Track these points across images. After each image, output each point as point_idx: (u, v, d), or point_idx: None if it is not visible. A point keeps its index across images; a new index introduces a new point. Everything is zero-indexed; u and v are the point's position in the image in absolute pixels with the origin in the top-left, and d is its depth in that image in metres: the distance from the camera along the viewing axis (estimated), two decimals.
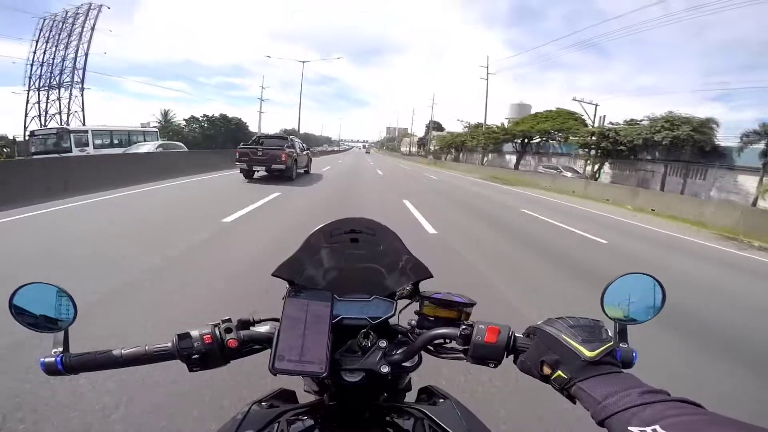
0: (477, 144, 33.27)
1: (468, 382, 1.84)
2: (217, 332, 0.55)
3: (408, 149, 74.84)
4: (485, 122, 33.09)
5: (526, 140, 28.50)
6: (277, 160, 10.54)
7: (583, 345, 0.44)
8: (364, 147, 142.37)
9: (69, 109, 25.19)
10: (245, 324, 0.59)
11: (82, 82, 25.27)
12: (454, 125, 76.69)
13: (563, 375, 0.44)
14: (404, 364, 0.57)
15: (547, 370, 0.46)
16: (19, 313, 0.54)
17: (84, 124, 22.22)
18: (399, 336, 0.62)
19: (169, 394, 1.66)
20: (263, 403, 0.59)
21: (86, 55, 24.53)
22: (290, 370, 0.51)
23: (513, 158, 31.55)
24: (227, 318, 0.58)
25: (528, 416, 1.71)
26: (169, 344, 0.55)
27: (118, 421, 1.51)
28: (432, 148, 50.35)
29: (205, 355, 0.54)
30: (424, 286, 0.65)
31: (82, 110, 25.69)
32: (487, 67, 31.25)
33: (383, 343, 0.58)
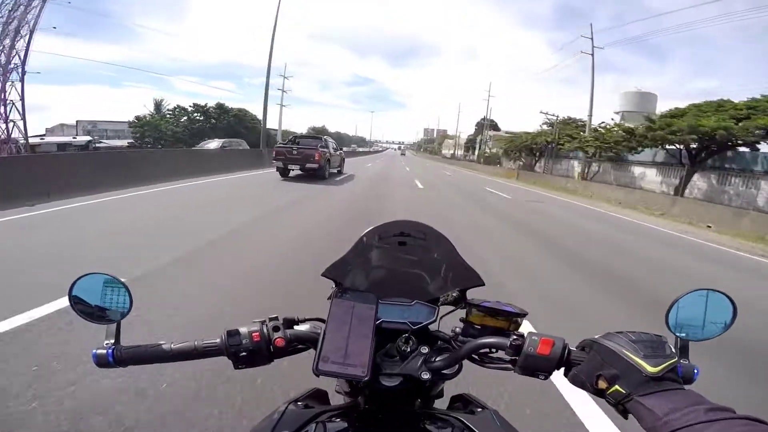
0: (579, 147, 21.03)
1: (498, 393, 1.79)
2: (265, 330, 0.56)
3: (452, 152, 65.49)
4: (591, 118, 21.26)
5: (704, 145, 14.15)
6: (311, 160, 11.16)
7: (645, 360, 0.44)
8: (399, 149, 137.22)
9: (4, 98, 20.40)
10: (290, 323, 0.60)
11: (23, 65, 19.51)
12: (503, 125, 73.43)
13: (621, 390, 0.43)
14: (444, 371, 0.56)
15: (603, 384, 0.46)
16: (77, 302, 0.56)
17: (23, 117, 19.43)
18: (440, 343, 0.62)
19: (209, 387, 1.74)
20: (299, 403, 0.59)
21: (31, 33, 18.87)
22: (333, 372, 0.51)
23: (646, 173, 19.11)
24: (274, 316, 0.59)
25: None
26: (218, 340, 0.56)
27: (152, 411, 1.58)
28: (488, 150, 40.67)
29: (253, 352, 0.55)
30: (472, 294, 0.65)
31: (22, 100, 20.18)
32: (592, 50, 20.51)
33: (425, 349, 0.58)
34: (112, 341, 0.56)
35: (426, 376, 0.55)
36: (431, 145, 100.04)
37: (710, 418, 0.35)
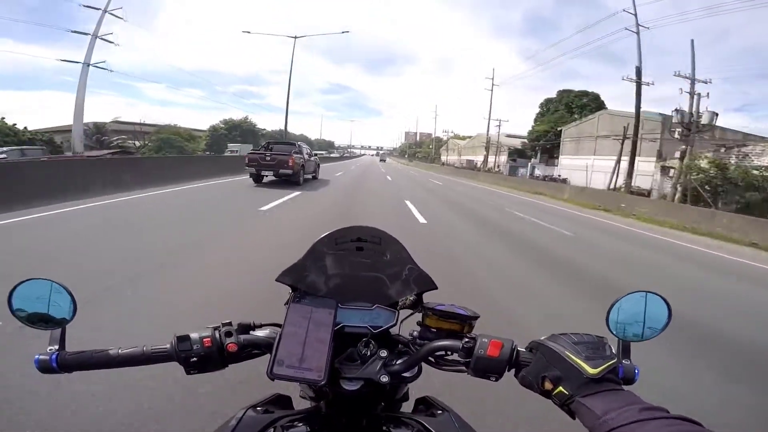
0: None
1: (465, 395, 1.83)
2: (217, 335, 0.59)
3: (470, 161, 47.29)
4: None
5: None
6: (285, 166, 11.53)
7: (586, 362, 0.48)
8: (377, 155, 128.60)
9: None
10: (246, 328, 0.63)
11: None
12: (467, 131, 68.85)
13: (564, 391, 0.47)
14: (404, 374, 0.60)
15: (548, 386, 0.50)
16: (18, 309, 0.57)
17: None
18: (400, 346, 0.66)
19: (161, 396, 1.76)
20: (258, 408, 0.62)
21: None
22: (288, 376, 0.54)
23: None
24: (228, 321, 0.61)
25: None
26: (168, 346, 0.58)
27: (105, 421, 1.59)
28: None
29: (204, 358, 0.57)
30: (428, 297, 0.69)
31: None
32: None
33: (384, 353, 0.61)
34: (56, 347, 0.57)
35: (385, 379, 0.58)
36: (416, 149, 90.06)
37: (644, 417, 0.39)
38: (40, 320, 0.58)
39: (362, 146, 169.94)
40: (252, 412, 0.61)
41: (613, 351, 0.52)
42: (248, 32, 41.61)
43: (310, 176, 14.31)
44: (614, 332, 0.55)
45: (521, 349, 0.56)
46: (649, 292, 0.56)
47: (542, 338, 0.55)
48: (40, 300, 0.58)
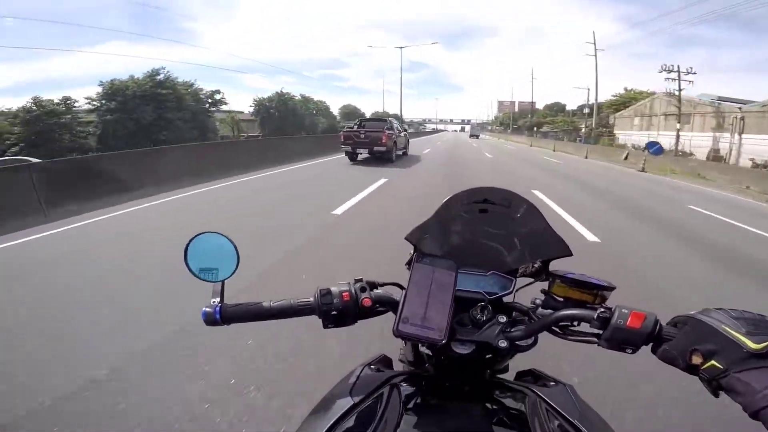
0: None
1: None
2: (353, 291, 0.64)
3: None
4: None
5: None
6: (379, 143, 12.12)
7: (747, 336, 0.46)
8: (462, 129, 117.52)
9: None
10: (372, 285, 0.68)
11: None
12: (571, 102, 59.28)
13: (718, 365, 0.46)
14: (519, 342, 0.61)
15: (697, 360, 0.48)
16: (191, 261, 0.65)
17: None
18: (515, 314, 0.67)
19: (290, 353, 2.15)
20: (372, 367, 0.69)
21: None
22: (412, 334, 0.59)
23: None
24: (359, 278, 0.67)
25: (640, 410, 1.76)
26: (311, 299, 0.64)
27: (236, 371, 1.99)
28: None
29: (342, 311, 0.63)
30: (555, 266, 0.69)
31: None
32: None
33: (503, 318, 0.63)
34: (218, 300, 0.65)
35: (503, 344, 0.60)
36: (526, 120, 65.66)
37: None
38: (207, 273, 0.66)
39: (440, 120, 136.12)
40: (368, 370, 0.67)
41: None
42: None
43: (400, 152, 14.81)
44: None
45: (662, 323, 0.54)
46: None
47: (692, 312, 0.53)
48: (209, 253, 0.66)
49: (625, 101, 40.57)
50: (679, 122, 26.38)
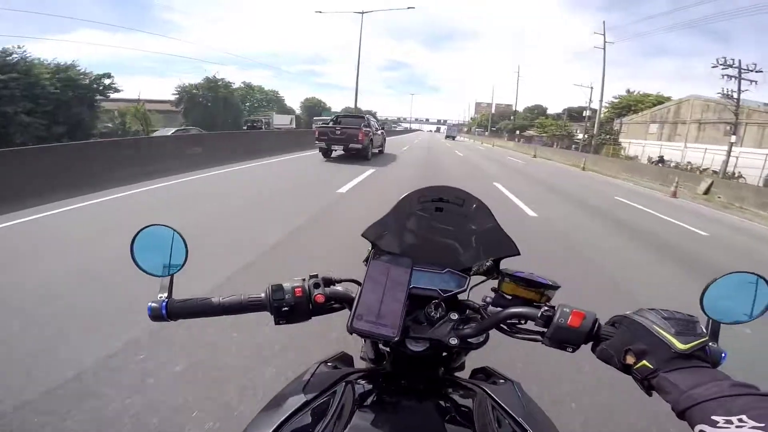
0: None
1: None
2: (306, 287, 0.65)
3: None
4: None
5: None
6: (355, 140, 12.00)
7: (675, 337, 0.49)
8: (438, 130, 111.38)
9: None
10: (328, 282, 0.69)
11: None
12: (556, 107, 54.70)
13: (648, 365, 0.49)
14: (471, 340, 0.63)
15: (630, 359, 0.51)
16: (137, 256, 0.64)
17: None
18: (468, 312, 0.69)
19: (244, 349, 2.10)
20: (329, 364, 0.70)
21: None
22: (366, 331, 0.59)
23: None
24: (314, 274, 0.68)
25: (589, 408, 1.86)
26: (263, 295, 0.64)
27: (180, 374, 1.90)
28: None
29: (294, 308, 0.63)
30: (505, 264, 0.72)
31: None
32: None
33: (454, 316, 0.65)
34: (166, 295, 0.64)
35: (454, 341, 0.62)
36: (510, 122, 60.66)
37: (734, 392, 0.40)
38: (154, 268, 0.65)
39: (416, 119, 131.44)
40: (324, 367, 0.68)
41: (704, 330, 0.52)
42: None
43: (377, 150, 14.68)
44: (707, 312, 0.56)
45: (601, 322, 0.57)
46: (746, 272, 0.56)
47: (628, 312, 0.56)
48: (157, 248, 0.65)
49: (630, 103, 35.36)
50: (734, 133, 20.41)
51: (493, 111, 79.73)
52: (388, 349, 0.70)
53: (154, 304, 0.64)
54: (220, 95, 37.38)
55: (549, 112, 64.35)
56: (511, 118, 63.08)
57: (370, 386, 0.65)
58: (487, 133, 66.76)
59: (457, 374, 0.74)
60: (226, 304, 0.66)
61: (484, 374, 0.75)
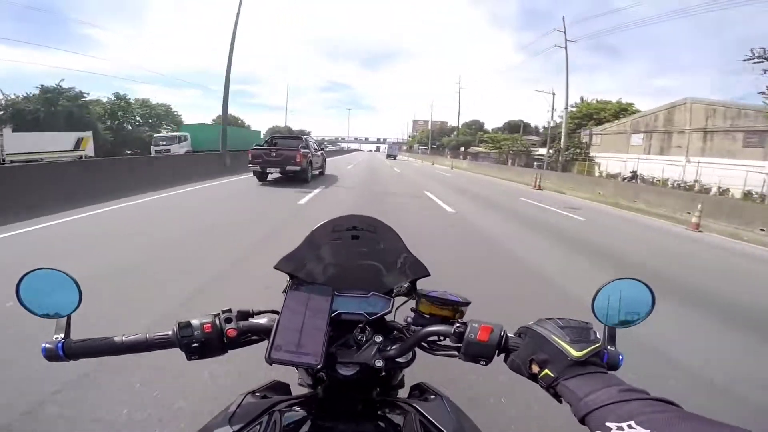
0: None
1: (462, 380, 2.12)
2: (217, 322, 0.65)
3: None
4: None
5: None
6: (292, 162, 11.51)
7: (571, 345, 0.53)
8: (377, 149, 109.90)
9: None
10: (245, 315, 0.70)
11: None
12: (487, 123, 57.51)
13: (550, 373, 0.52)
14: (398, 359, 0.66)
15: (535, 369, 0.55)
16: (25, 298, 0.63)
17: None
18: (394, 332, 0.72)
19: (163, 382, 1.98)
20: (257, 394, 0.69)
21: None
22: (286, 360, 0.60)
23: None
24: (227, 309, 0.68)
25: (518, 416, 1.98)
26: (170, 332, 0.64)
27: (106, 407, 1.79)
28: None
29: (204, 343, 0.63)
30: (422, 285, 0.76)
31: None
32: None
33: (379, 338, 0.67)
34: (62, 335, 0.64)
35: (380, 363, 0.64)
36: (452, 139, 59.33)
37: (623, 398, 0.43)
38: (46, 309, 0.65)
39: (355, 138, 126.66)
40: (251, 397, 0.68)
41: (598, 336, 0.57)
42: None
43: (317, 172, 14.28)
44: (599, 318, 0.62)
45: (510, 334, 0.62)
46: (632, 278, 0.62)
47: (530, 323, 0.60)
48: (46, 290, 0.65)
49: (591, 112, 31.75)
50: None
51: (429, 127, 78.73)
52: (323, 375, 0.69)
53: (48, 345, 0.63)
54: (60, 109, 28.76)
55: (486, 126, 64.82)
56: (454, 133, 60.55)
57: (303, 413, 0.65)
58: (428, 151, 64.45)
59: (399, 392, 0.77)
60: (129, 343, 0.65)
61: (420, 390, 0.77)
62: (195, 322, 0.65)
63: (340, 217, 0.74)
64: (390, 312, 0.74)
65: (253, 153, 12.11)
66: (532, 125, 58.73)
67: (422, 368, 0.72)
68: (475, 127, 62.49)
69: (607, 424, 0.40)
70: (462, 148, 52.95)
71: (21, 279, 0.64)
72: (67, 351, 0.63)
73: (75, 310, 0.66)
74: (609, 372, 0.52)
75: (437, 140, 70.19)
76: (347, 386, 0.67)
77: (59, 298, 0.65)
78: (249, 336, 0.68)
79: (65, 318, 0.65)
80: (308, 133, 53.92)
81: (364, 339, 0.68)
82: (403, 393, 0.79)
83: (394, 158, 49.21)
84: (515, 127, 51.01)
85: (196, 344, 0.64)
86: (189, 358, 0.65)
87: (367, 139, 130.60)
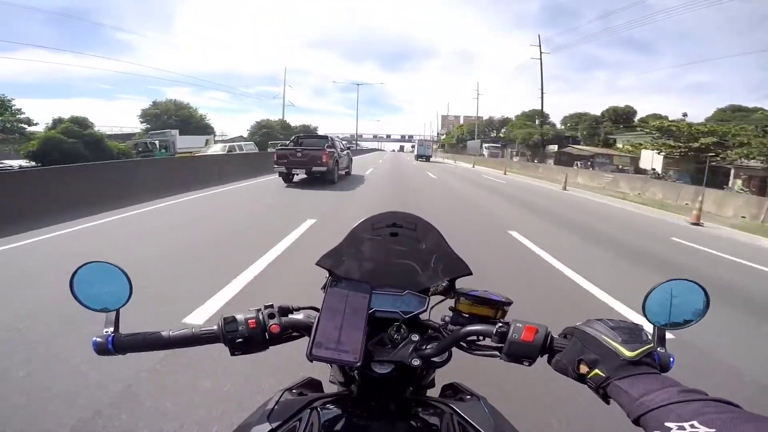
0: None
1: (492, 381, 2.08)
2: (261, 317, 0.67)
3: None
4: None
5: None
6: (318, 162, 11.50)
7: (623, 345, 0.53)
8: (401, 149, 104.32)
9: None
10: (285, 311, 0.72)
11: None
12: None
13: (601, 373, 0.52)
14: (434, 359, 0.67)
15: (584, 369, 0.55)
16: (78, 291, 0.66)
17: None
18: (430, 331, 0.73)
19: (204, 377, 2.10)
20: (294, 391, 0.72)
21: None
22: (326, 358, 0.62)
23: None
24: (270, 304, 0.70)
25: (555, 421, 1.97)
26: (215, 327, 0.67)
27: (146, 398, 1.92)
28: None
29: (248, 339, 0.66)
30: (461, 283, 0.76)
31: None
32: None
33: (415, 337, 0.69)
34: (112, 329, 0.67)
35: (416, 362, 0.66)
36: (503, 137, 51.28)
37: (683, 398, 0.43)
38: (98, 303, 0.68)
39: (374, 136, 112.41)
40: (288, 394, 0.70)
41: (649, 337, 0.57)
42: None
43: (343, 172, 14.19)
44: (650, 319, 0.62)
45: (554, 335, 0.62)
46: (684, 279, 0.62)
47: (578, 324, 0.60)
48: (99, 283, 0.68)
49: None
50: None
51: (461, 122, 66.28)
52: (355, 373, 0.71)
53: (99, 339, 0.65)
54: (179, 117, 35.45)
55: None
56: (541, 127, 44.10)
57: (338, 411, 0.67)
58: (484, 152, 46.69)
59: (428, 392, 0.78)
60: (176, 338, 0.68)
61: (453, 391, 0.78)
62: (240, 317, 0.67)
63: (380, 213, 0.76)
64: (425, 311, 0.75)
65: (279, 153, 12.13)
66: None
67: (450, 368, 0.73)
68: (541, 119, 46.81)
69: (667, 424, 0.41)
70: (554, 147, 37.51)
71: (75, 272, 0.67)
72: (117, 345, 0.66)
73: (125, 304, 0.69)
74: (662, 373, 0.52)
75: (487, 136, 59.63)
76: (381, 385, 0.68)
77: (110, 291, 0.68)
78: (290, 332, 0.70)
79: (114, 312, 0.68)
80: (314, 129, 51.96)
81: (400, 338, 0.70)
82: (433, 393, 0.79)
83: (427, 160, 38.55)
84: (620, 115, 42.45)
85: (240, 339, 0.66)
86: (233, 354, 0.67)
87: (389, 136, 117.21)
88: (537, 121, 46.43)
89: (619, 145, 37.83)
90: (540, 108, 40.46)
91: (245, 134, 44.44)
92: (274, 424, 0.61)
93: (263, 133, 43.17)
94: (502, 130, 55.14)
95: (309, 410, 0.64)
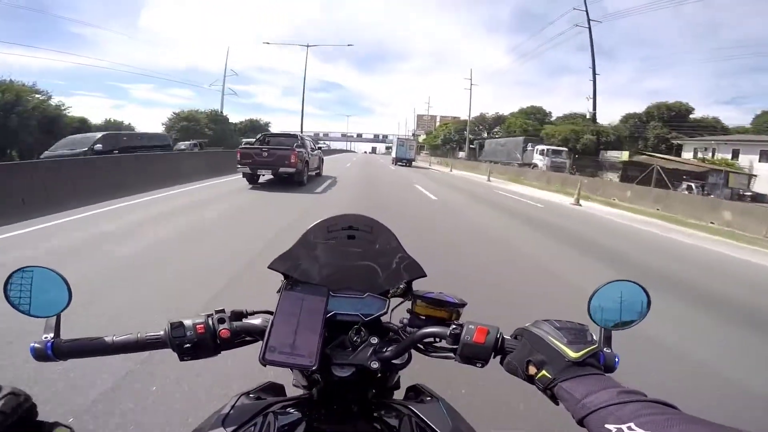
0: None
1: (458, 382, 2.18)
2: (210, 322, 0.67)
3: None
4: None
5: None
6: (286, 162, 10.94)
7: (568, 346, 0.55)
8: (373, 150, 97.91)
9: None
10: (238, 315, 0.71)
11: None
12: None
13: (547, 375, 0.54)
14: (394, 361, 0.68)
15: (532, 370, 0.57)
16: (13, 297, 0.64)
17: None
18: (390, 334, 0.74)
19: (157, 382, 2.03)
20: (251, 395, 0.71)
21: None
22: (280, 362, 0.62)
23: None
24: (221, 309, 0.69)
25: (515, 418, 2.07)
26: (162, 332, 0.66)
27: (101, 407, 1.84)
28: None
29: (197, 344, 0.65)
30: (418, 285, 0.77)
31: None
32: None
33: (374, 340, 0.69)
34: (51, 335, 0.64)
35: (375, 365, 0.66)
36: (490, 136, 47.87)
37: (622, 399, 0.45)
38: (36, 309, 0.65)
39: (343, 134, 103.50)
40: (245, 399, 0.70)
41: (595, 338, 0.60)
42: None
43: (313, 173, 13.68)
44: (595, 320, 0.63)
45: (506, 336, 0.64)
46: (627, 280, 0.64)
47: (527, 325, 0.63)
48: (36, 288, 0.65)
49: None
50: None
51: (437, 123, 58.66)
52: (317, 376, 0.71)
53: (37, 345, 0.64)
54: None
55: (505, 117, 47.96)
56: (499, 128, 41.52)
57: (297, 415, 0.66)
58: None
59: (394, 394, 0.79)
60: (119, 343, 0.67)
61: (415, 392, 0.79)
62: (187, 322, 0.66)
63: (335, 216, 0.76)
64: (386, 313, 0.76)
65: (242, 152, 11.38)
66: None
67: (419, 370, 0.73)
68: (539, 116, 43.23)
69: (607, 426, 0.43)
70: (616, 153, 29.42)
71: (9, 277, 0.64)
72: (56, 351, 0.64)
73: (64, 309, 0.66)
74: (606, 374, 0.54)
75: (480, 134, 52.28)
76: (342, 388, 0.69)
77: (49, 297, 0.66)
78: (243, 337, 0.70)
79: (54, 317, 0.65)
80: (267, 127, 47.20)
81: (360, 340, 0.70)
82: (398, 395, 0.80)
83: (409, 164, 32.22)
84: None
85: (188, 345, 0.65)
86: (181, 359, 0.66)
87: (360, 135, 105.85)
88: (587, 115, 38.08)
89: (687, 155, 29.54)
90: (593, 103, 33.30)
91: (160, 128, 37.38)
92: (229, 429, 0.60)
93: (182, 127, 36.66)
94: (495, 129, 49.86)
95: (265, 414, 0.64)
